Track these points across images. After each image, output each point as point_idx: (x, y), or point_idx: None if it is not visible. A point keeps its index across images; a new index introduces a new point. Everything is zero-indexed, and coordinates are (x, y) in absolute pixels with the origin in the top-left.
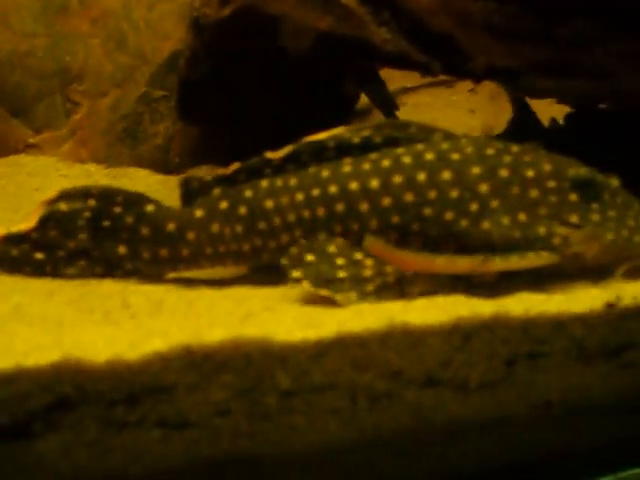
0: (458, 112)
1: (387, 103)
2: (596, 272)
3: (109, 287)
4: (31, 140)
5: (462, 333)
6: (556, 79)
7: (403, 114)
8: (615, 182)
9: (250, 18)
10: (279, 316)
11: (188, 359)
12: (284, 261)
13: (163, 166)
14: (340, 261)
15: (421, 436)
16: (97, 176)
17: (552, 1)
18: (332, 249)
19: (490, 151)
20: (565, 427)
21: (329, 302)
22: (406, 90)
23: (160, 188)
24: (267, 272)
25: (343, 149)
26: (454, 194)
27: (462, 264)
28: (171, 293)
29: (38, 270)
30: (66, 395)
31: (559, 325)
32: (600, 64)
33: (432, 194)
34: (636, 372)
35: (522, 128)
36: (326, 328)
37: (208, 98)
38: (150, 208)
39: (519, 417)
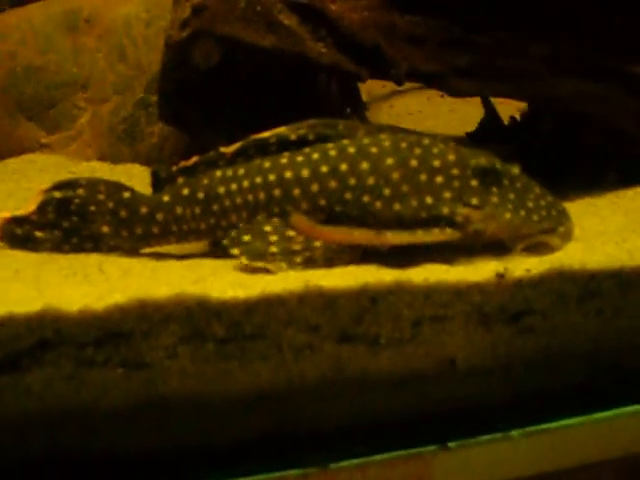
0: (440, 110)
1: (357, 105)
2: (498, 248)
3: (94, 259)
4: (43, 141)
5: (369, 296)
6: (478, 81)
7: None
8: (516, 170)
9: (205, 39)
10: (220, 279)
11: (142, 311)
12: (225, 242)
13: (158, 162)
14: (273, 238)
15: (340, 384)
16: (100, 172)
17: (472, 13)
18: (267, 228)
19: (403, 145)
20: (469, 383)
21: (265, 271)
22: (397, 92)
23: None
24: (222, 247)
25: (283, 144)
26: (371, 181)
27: (371, 236)
28: (141, 263)
29: (38, 246)
30: (47, 337)
31: (458, 292)
32: (520, 68)
33: (352, 181)
34: (534, 336)
35: (489, 125)
36: (253, 289)
37: (178, 105)
38: (127, 195)
39: (427, 372)
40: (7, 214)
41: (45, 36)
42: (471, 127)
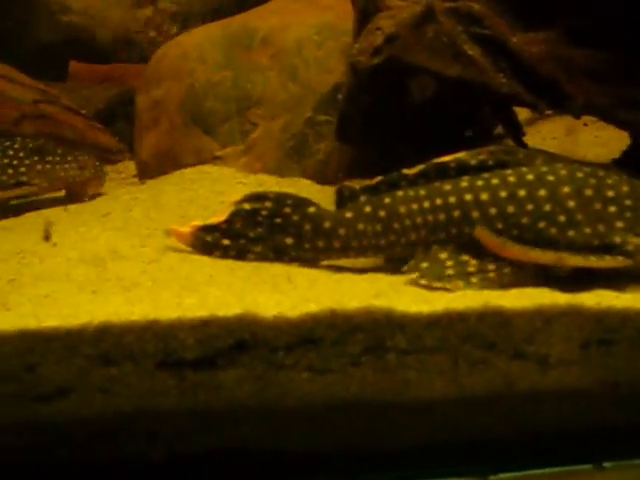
0: (585, 136)
1: (516, 130)
2: None
3: (277, 268)
4: (217, 153)
5: (543, 317)
6: None
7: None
8: None
9: (395, 66)
10: (402, 294)
11: (332, 320)
12: (405, 269)
13: (323, 178)
14: (449, 263)
15: (508, 399)
16: (268, 184)
17: None
18: (443, 255)
19: (579, 174)
20: (630, 406)
21: (442, 289)
22: (541, 117)
23: (320, 195)
24: (398, 263)
25: (462, 169)
26: (547, 207)
27: (550, 257)
28: (324, 274)
29: (225, 253)
30: (243, 339)
31: (626, 317)
32: None
33: (529, 207)
34: None
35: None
36: (437, 304)
37: (361, 126)
38: (312, 210)
39: (591, 393)
40: (199, 223)
41: (222, 54)
42: (613, 154)
